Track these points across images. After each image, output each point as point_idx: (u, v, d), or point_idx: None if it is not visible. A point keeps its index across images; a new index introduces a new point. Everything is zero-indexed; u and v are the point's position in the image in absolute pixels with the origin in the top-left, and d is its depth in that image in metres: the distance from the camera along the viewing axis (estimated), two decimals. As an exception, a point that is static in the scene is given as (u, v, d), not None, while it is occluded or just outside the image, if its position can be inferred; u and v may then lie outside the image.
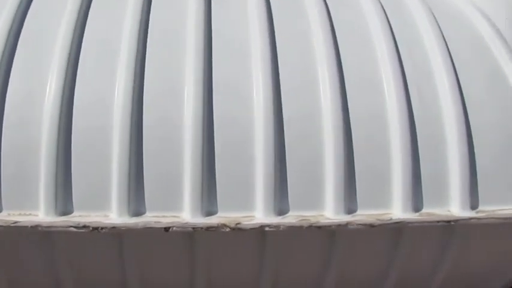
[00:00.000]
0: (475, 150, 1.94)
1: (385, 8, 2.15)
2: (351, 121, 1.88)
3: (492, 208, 1.92)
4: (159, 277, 1.98)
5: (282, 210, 1.83)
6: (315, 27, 2.03)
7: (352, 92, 1.92)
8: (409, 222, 1.81)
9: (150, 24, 2.00)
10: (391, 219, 1.80)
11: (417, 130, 1.91)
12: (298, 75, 1.92)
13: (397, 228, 1.86)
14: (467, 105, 1.97)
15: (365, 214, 1.83)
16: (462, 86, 1.99)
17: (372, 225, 1.78)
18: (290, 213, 1.83)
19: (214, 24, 2.02)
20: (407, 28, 2.10)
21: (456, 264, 2.03)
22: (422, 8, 2.15)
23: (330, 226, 1.77)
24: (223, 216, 1.81)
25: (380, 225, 1.78)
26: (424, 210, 1.88)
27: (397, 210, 1.86)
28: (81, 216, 1.80)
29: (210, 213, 1.81)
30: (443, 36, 2.08)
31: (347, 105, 1.89)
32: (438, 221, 1.82)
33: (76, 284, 2.00)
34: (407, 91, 1.94)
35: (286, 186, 1.83)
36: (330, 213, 1.83)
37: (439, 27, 2.10)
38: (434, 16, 2.14)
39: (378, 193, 1.87)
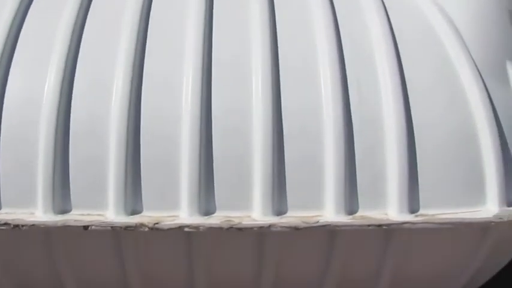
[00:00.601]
0: (417, 150, 1.83)
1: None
2: (283, 116, 1.80)
3: (434, 212, 1.81)
4: (91, 275, 1.95)
5: (208, 211, 1.77)
6: (254, 16, 1.95)
7: (287, 84, 1.84)
8: (337, 226, 1.72)
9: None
10: (318, 221, 1.71)
11: (354, 127, 1.81)
12: (229, 69, 1.85)
13: (330, 232, 1.78)
14: (410, 100, 1.86)
15: (294, 216, 1.76)
16: (407, 80, 1.88)
17: (296, 228, 1.70)
18: (217, 213, 1.77)
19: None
20: (353, 17, 1.99)
21: (400, 269, 1.93)
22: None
23: (251, 228, 1.69)
24: (147, 215, 1.76)
25: (305, 228, 1.70)
26: (359, 213, 1.79)
27: (329, 213, 1.77)
28: (7, 213, 1.78)
29: (134, 212, 1.77)
30: (391, 27, 1.96)
31: (280, 99, 1.81)
32: (369, 225, 1.72)
33: (10, 282, 2.00)
34: (346, 84, 1.84)
35: (212, 186, 1.77)
36: (257, 214, 1.75)
37: (388, 17, 1.99)
38: (384, 5, 2.02)
39: (310, 194, 1.78)
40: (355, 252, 1.84)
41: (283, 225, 1.69)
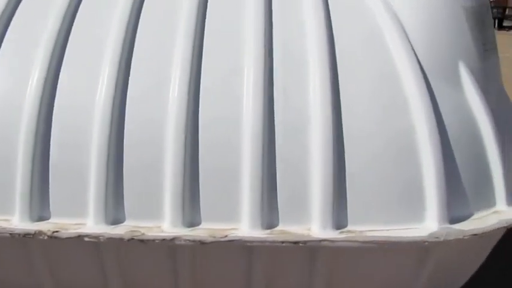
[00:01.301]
0: (346, 162, 1.66)
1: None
2: (200, 125, 1.67)
3: (364, 228, 1.65)
4: (10, 280, 1.87)
5: (116, 220, 1.66)
6: (183, 20, 1.82)
7: (209, 90, 1.71)
8: (247, 241, 1.58)
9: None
10: (226, 236, 1.58)
11: (276, 135, 1.66)
12: (147, 77, 1.73)
13: (244, 247, 1.63)
14: (342, 109, 1.70)
15: (206, 228, 1.63)
16: (341, 87, 1.72)
17: (202, 242, 1.56)
18: (125, 223, 1.66)
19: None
20: (290, 19, 1.84)
21: (331, 288, 1.77)
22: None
23: (153, 240, 1.57)
24: (54, 222, 1.67)
25: (212, 242, 1.56)
26: (278, 228, 1.64)
27: (245, 226, 1.63)
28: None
29: (41, 218, 1.68)
30: (330, 30, 1.80)
31: (198, 109, 1.68)
32: (282, 242, 1.57)
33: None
34: (271, 93, 1.69)
35: (122, 195, 1.66)
36: (167, 225, 1.63)
37: (328, 19, 1.82)
38: (327, 6, 1.86)
39: (225, 206, 1.65)
40: (276, 270, 1.70)
41: (188, 238, 1.56)
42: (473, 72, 1.87)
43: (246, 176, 1.62)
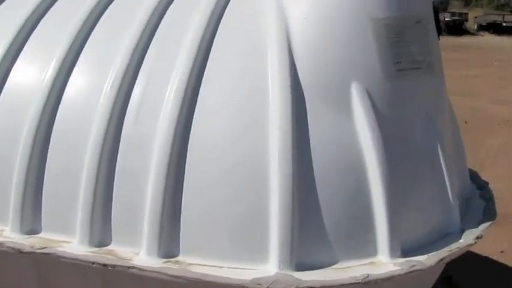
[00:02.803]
0: (185, 186, 1.50)
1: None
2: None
3: (195, 261, 1.47)
4: None
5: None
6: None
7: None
8: (69, 258, 1.51)
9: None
10: (45, 247, 1.52)
11: (116, 151, 1.57)
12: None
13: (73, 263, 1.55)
14: (195, 118, 1.54)
15: (43, 238, 1.60)
16: (198, 103, 1.56)
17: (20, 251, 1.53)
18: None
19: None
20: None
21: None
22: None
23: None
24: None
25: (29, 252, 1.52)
26: (109, 247, 1.55)
27: (76, 241, 1.56)
28: None
29: None
30: (211, 39, 1.65)
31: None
32: (93, 262, 1.47)
33: None
34: (124, 108, 1.60)
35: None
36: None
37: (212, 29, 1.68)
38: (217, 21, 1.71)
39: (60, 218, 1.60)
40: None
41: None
42: (373, 95, 1.58)
43: (83, 190, 1.56)
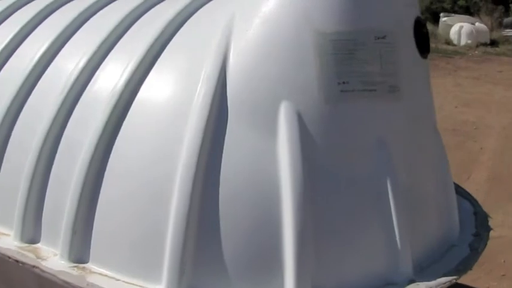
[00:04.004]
0: (99, 198, 1.50)
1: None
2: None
3: (101, 270, 1.46)
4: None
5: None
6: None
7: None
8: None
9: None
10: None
11: (56, 159, 1.62)
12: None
13: None
14: (121, 133, 1.52)
15: None
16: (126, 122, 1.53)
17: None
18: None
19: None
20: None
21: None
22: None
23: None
24: None
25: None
26: (38, 245, 1.60)
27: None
28: None
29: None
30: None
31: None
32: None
33: None
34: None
35: None
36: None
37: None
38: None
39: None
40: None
41: None
42: (306, 118, 1.42)
43: (21, 187, 1.63)
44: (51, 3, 2.03)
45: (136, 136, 1.50)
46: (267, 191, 1.38)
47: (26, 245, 1.62)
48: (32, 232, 1.63)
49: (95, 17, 1.88)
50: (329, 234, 1.40)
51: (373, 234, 1.44)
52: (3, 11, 2.09)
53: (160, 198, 1.41)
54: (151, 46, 1.59)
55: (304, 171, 1.37)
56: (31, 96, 1.75)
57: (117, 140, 1.51)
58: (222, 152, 1.41)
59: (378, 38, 1.50)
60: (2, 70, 1.89)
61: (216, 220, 1.38)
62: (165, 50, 1.59)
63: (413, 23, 1.60)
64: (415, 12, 1.64)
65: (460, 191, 2.11)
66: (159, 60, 1.59)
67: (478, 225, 1.81)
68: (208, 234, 1.38)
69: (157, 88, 1.55)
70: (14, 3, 2.11)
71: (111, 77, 1.61)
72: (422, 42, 1.65)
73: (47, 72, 1.78)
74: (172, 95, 1.52)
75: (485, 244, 1.66)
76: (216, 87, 1.45)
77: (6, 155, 1.74)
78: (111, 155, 1.51)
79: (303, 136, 1.41)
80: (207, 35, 1.56)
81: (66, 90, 1.66)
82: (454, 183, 2.15)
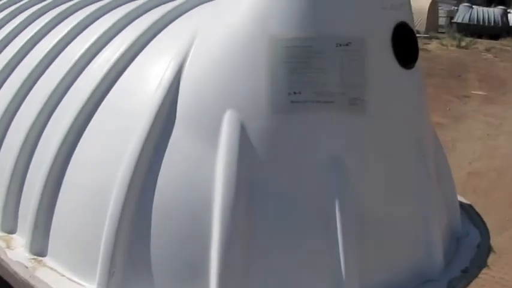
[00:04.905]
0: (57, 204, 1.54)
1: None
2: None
3: (57, 267, 1.50)
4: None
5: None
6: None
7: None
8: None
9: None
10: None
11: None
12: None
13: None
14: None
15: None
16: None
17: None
18: None
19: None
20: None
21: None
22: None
23: None
24: None
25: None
26: (12, 235, 1.68)
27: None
28: None
29: None
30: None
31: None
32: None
33: None
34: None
35: None
36: None
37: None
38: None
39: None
40: None
41: None
42: (251, 129, 1.34)
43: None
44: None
45: (92, 141, 1.53)
46: (200, 204, 1.33)
47: (5, 234, 1.71)
48: (11, 223, 1.72)
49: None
50: (262, 257, 1.30)
51: (314, 261, 1.32)
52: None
53: (100, 203, 1.41)
54: (123, 54, 1.60)
55: (238, 187, 1.30)
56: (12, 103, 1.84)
57: (76, 150, 1.55)
58: (162, 160, 1.38)
59: (340, 45, 1.36)
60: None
61: (148, 228, 1.35)
62: (135, 60, 1.60)
63: (392, 29, 1.44)
64: (398, 16, 1.47)
65: (474, 219, 1.88)
66: (129, 68, 1.59)
67: (474, 260, 1.58)
68: (139, 240, 1.36)
69: (122, 94, 1.55)
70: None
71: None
72: (406, 50, 1.47)
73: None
74: (133, 101, 1.51)
75: (468, 283, 1.45)
76: (166, 94, 1.42)
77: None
78: (69, 165, 1.54)
79: (243, 148, 1.33)
80: (172, 46, 1.53)
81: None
82: (471, 209, 1.93)
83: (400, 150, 1.46)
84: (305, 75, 1.35)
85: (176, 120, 1.41)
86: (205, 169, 1.34)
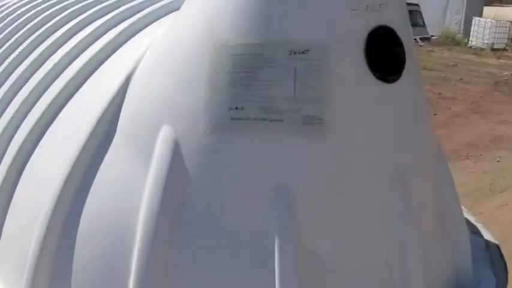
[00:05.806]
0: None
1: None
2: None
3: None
4: None
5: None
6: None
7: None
8: None
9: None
10: None
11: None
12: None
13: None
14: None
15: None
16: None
17: None
18: None
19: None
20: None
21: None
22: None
23: None
24: None
25: None
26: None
27: None
28: None
29: None
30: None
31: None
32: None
33: None
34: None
35: None
36: None
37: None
38: None
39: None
40: None
41: None
42: (185, 148, 1.16)
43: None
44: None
45: (42, 155, 1.42)
46: (123, 230, 1.18)
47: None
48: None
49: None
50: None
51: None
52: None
53: (32, 220, 1.31)
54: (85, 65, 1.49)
55: (163, 210, 1.13)
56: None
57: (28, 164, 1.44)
58: (95, 175, 1.25)
59: (295, 53, 1.14)
60: None
61: (71, 251, 1.22)
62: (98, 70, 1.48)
63: (367, 34, 1.18)
64: (379, 18, 1.20)
65: (497, 264, 1.53)
66: (91, 78, 1.48)
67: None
68: (62, 263, 1.23)
69: (78, 105, 1.44)
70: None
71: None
72: (387, 60, 1.21)
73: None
74: (81, 112, 1.39)
75: None
76: (109, 104, 1.29)
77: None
78: (19, 181, 1.44)
79: (174, 170, 1.16)
80: (130, 56, 1.39)
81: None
82: (496, 251, 1.59)
83: (368, 182, 1.19)
84: (249, 87, 1.15)
85: (117, 133, 1.28)
86: (135, 188, 1.19)
